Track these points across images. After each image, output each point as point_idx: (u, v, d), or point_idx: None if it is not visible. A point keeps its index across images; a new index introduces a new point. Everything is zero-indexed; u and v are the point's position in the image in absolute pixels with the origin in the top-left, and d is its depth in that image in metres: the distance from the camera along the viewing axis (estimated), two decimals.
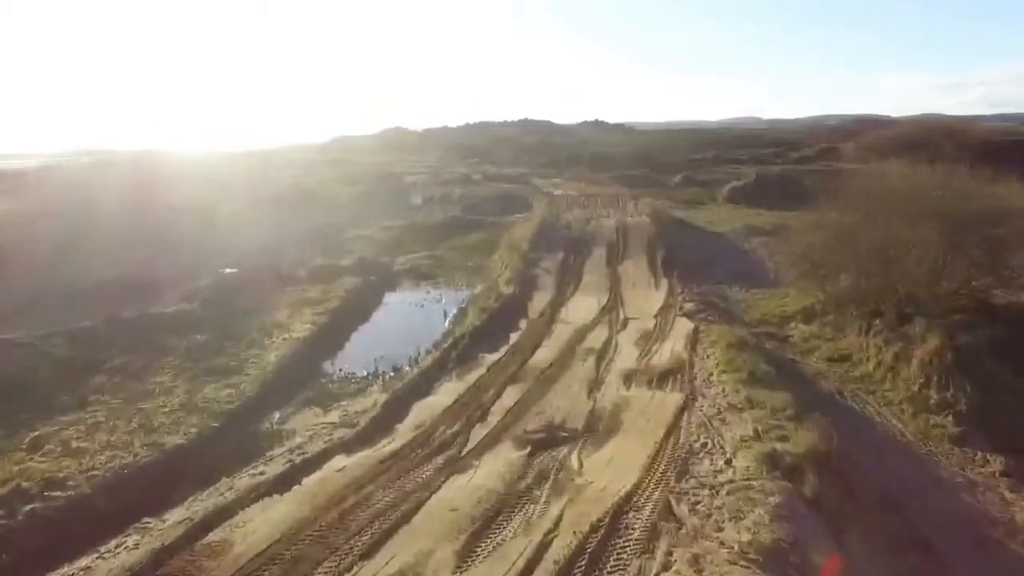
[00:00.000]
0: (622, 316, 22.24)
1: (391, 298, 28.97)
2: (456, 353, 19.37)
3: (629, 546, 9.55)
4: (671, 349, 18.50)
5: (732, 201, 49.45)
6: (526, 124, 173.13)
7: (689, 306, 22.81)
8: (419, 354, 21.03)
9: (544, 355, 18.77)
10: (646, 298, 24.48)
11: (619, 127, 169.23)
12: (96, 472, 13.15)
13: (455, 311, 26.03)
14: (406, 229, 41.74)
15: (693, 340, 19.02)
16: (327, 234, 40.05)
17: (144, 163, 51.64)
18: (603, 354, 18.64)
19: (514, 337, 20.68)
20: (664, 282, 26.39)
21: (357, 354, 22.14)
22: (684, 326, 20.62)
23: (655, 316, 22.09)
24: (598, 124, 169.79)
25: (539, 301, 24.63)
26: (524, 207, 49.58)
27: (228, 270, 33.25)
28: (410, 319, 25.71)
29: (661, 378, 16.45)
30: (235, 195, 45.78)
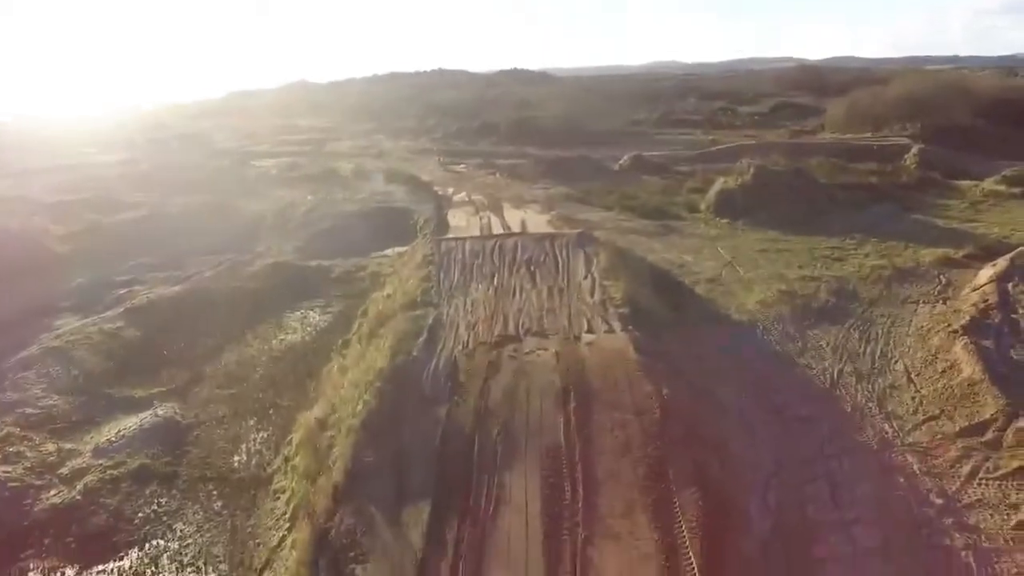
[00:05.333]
0: None
1: None
2: None
3: None
4: None
5: (723, 213, 30.52)
6: (440, 75, 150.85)
7: None
8: None
9: None
10: None
11: (540, 75, 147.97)
12: None
13: None
14: (171, 310, 21.37)
15: None
16: None
17: None
18: None
19: None
20: None
21: None
22: None
23: None
24: (517, 73, 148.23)
25: None
26: (404, 232, 29.82)
27: None
28: None
29: None
30: None
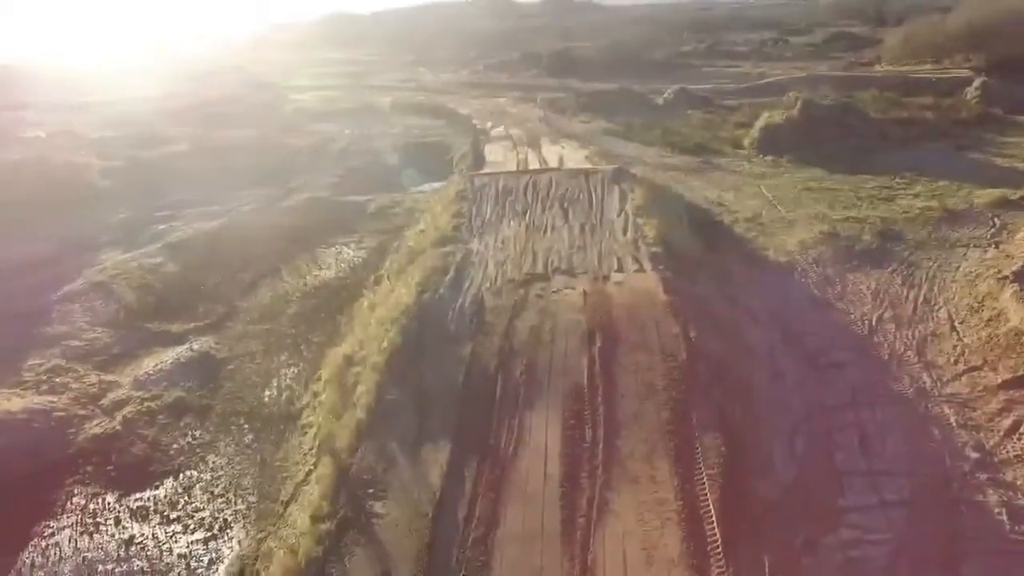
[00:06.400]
0: None
1: None
2: None
3: None
4: None
5: (767, 149, 29.31)
6: (486, 3, 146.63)
7: None
8: None
9: None
10: None
11: (588, 3, 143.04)
12: None
13: None
14: (209, 246, 21.63)
15: None
16: None
17: None
18: None
19: None
20: None
21: None
22: None
23: None
24: (564, 2, 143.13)
25: None
26: (442, 166, 29.55)
27: None
28: None
29: None
30: None
